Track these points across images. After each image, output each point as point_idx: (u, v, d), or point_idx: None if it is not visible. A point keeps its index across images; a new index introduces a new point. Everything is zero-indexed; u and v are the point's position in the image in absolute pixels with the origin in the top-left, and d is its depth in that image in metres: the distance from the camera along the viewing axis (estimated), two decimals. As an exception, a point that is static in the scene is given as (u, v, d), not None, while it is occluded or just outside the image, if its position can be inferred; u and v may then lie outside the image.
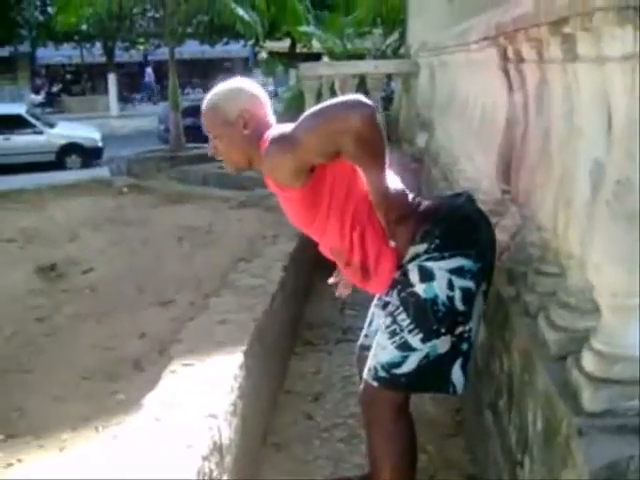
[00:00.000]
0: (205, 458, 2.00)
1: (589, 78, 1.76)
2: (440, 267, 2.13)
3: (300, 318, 4.45)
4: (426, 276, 2.14)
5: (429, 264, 2.14)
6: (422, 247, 2.16)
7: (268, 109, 2.33)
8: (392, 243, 2.22)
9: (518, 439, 2.04)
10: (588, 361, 1.64)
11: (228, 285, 3.63)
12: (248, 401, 2.61)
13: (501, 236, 2.68)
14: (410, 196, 2.32)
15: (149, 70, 35.85)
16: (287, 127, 2.16)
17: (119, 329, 4.01)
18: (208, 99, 2.31)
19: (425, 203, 2.31)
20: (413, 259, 2.18)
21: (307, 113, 2.12)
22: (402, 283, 2.20)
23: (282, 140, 2.11)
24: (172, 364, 2.57)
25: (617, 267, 1.55)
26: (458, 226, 2.22)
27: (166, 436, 2.06)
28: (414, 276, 2.16)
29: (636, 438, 1.50)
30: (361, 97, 2.06)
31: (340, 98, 2.16)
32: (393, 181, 2.24)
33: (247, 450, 2.59)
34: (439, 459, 2.85)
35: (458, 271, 2.13)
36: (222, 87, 2.32)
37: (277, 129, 2.22)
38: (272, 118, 2.33)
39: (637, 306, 1.60)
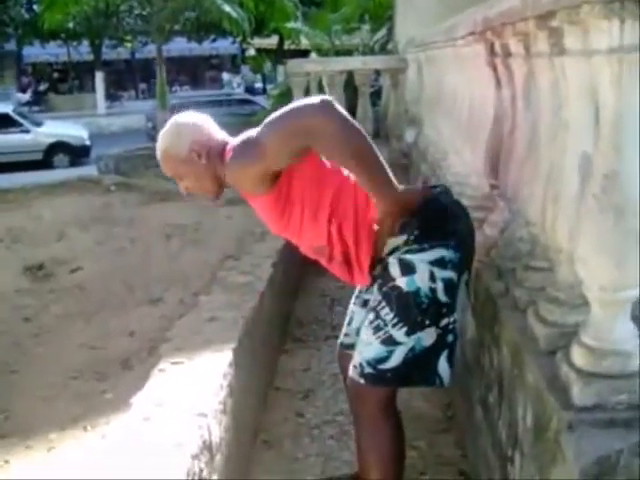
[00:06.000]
0: (195, 457, 1.99)
1: (576, 72, 1.75)
2: (421, 259, 2.13)
3: (289, 315, 4.44)
4: (407, 269, 2.13)
5: (409, 257, 2.14)
6: (401, 239, 2.16)
7: (213, 128, 2.30)
8: (375, 227, 2.18)
9: (508, 434, 2.04)
10: (577, 356, 1.64)
11: (217, 283, 3.62)
12: (238, 399, 2.60)
13: (490, 231, 2.67)
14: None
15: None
16: (248, 134, 2.14)
17: (108, 328, 4.00)
18: (157, 149, 2.31)
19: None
20: (393, 252, 2.17)
21: (270, 118, 2.06)
22: (383, 278, 2.19)
23: (245, 147, 2.10)
24: (161, 362, 2.56)
25: (605, 261, 1.55)
26: (437, 217, 2.21)
27: (155, 435, 2.05)
28: (395, 270, 2.16)
29: (625, 432, 1.50)
30: (326, 98, 1.98)
31: (303, 100, 2.06)
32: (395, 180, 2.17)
33: (237, 448, 2.58)
34: (430, 455, 2.85)
35: (439, 262, 2.13)
36: (163, 134, 2.31)
37: (237, 139, 2.20)
38: (221, 133, 2.30)
39: (625, 300, 1.60)
